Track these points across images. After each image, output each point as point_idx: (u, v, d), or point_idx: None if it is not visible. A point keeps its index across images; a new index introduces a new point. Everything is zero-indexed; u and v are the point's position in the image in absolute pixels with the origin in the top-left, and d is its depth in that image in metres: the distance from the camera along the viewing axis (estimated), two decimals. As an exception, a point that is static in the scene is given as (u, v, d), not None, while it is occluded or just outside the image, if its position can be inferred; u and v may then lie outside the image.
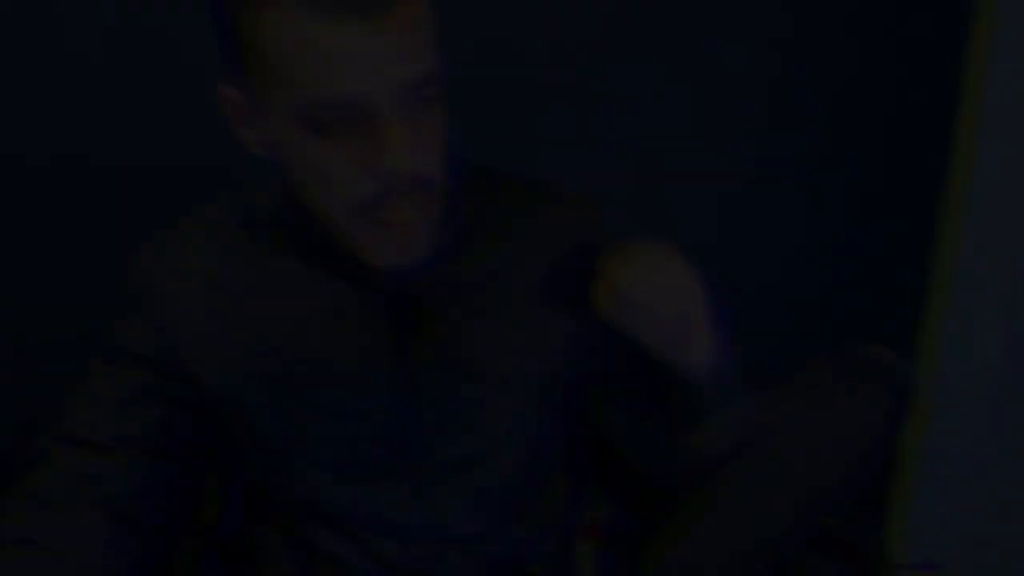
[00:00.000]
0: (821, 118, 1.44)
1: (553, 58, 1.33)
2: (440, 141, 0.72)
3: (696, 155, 1.42)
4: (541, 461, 0.88)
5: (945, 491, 1.66)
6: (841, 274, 1.56)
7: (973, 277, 1.49)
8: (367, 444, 0.81)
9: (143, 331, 0.80)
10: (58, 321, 1.36)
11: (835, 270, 1.55)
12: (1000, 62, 1.35)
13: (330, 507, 0.82)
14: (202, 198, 0.83)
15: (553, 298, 0.80)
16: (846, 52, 1.40)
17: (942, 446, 1.60)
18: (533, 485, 0.87)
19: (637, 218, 1.41)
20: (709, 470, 0.58)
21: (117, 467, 0.77)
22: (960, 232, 1.46)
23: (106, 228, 1.33)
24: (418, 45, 0.68)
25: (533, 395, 0.84)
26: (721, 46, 1.36)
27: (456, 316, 0.81)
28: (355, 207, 0.70)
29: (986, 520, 1.66)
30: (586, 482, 0.94)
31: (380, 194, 0.69)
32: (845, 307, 1.58)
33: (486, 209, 0.84)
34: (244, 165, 0.82)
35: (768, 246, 1.51)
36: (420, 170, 0.69)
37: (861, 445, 0.54)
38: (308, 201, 0.73)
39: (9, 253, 1.34)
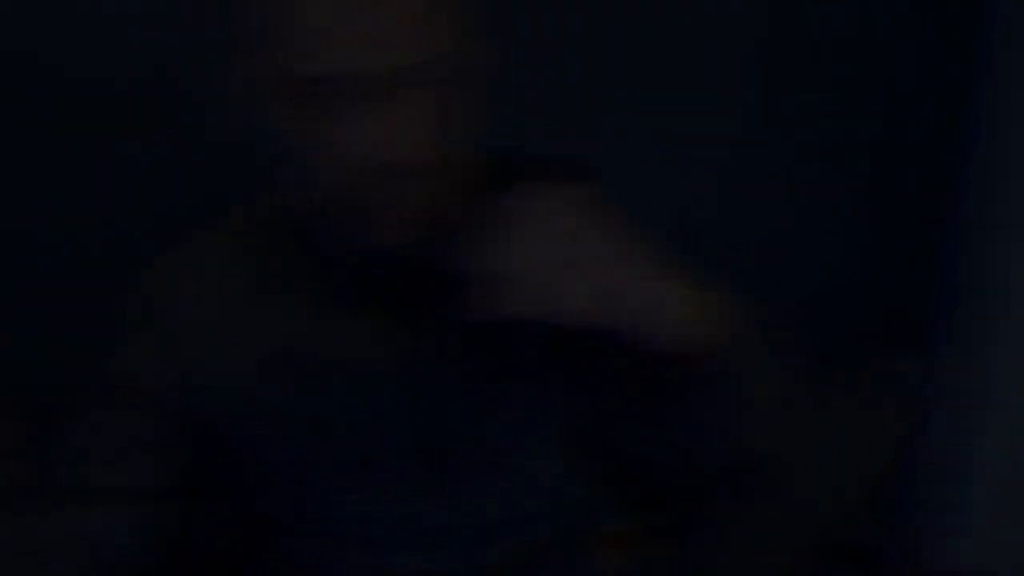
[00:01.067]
0: (821, 116, 1.44)
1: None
2: (430, 126, 0.70)
3: (693, 153, 1.42)
4: (561, 467, 0.85)
5: (952, 497, 1.65)
6: (848, 274, 1.55)
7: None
8: (382, 446, 0.80)
9: (148, 358, 0.78)
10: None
11: (841, 269, 1.55)
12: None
13: (339, 521, 0.81)
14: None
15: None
16: (856, 45, 1.40)
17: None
18: (553, 495, 0.85)
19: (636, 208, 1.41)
20: (729, 481, 0.57)
21: (110, 521, 0.76)
22: (970, 229, 1.45)
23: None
24: (407, 30, 0.66)
25: (557, 394, 0.81)
26: (720, 36, 1.36)
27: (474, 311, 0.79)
28: (328, 191, 0.70)
29: (997, 527, 1.65)
30: (606, 488, 0.90)
31: (351, 178, 0.69)
32: (854, 308, 1.57)
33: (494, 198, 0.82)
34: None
35: (769, 246, 1.50)
36: (393, 157, 0.68)
37: (880, 458, 0.54)
38: (298, 189, 0.73)
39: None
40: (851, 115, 1.44)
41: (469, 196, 0.77)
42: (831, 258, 1.53)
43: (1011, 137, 1.39)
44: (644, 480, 0.79)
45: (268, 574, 0.85)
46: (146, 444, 0.77)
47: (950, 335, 1.51)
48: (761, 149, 1.43)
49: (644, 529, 0.77)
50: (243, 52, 0.71)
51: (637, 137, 1.38)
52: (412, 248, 0.74)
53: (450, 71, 0.71)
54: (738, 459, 0.65)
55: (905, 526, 1.65)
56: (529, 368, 0.79)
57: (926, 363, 1.51)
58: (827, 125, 1.44)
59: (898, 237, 1.52)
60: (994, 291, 1.49)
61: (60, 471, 0.78)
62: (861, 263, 1.54)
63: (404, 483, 0.80)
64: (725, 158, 1.43)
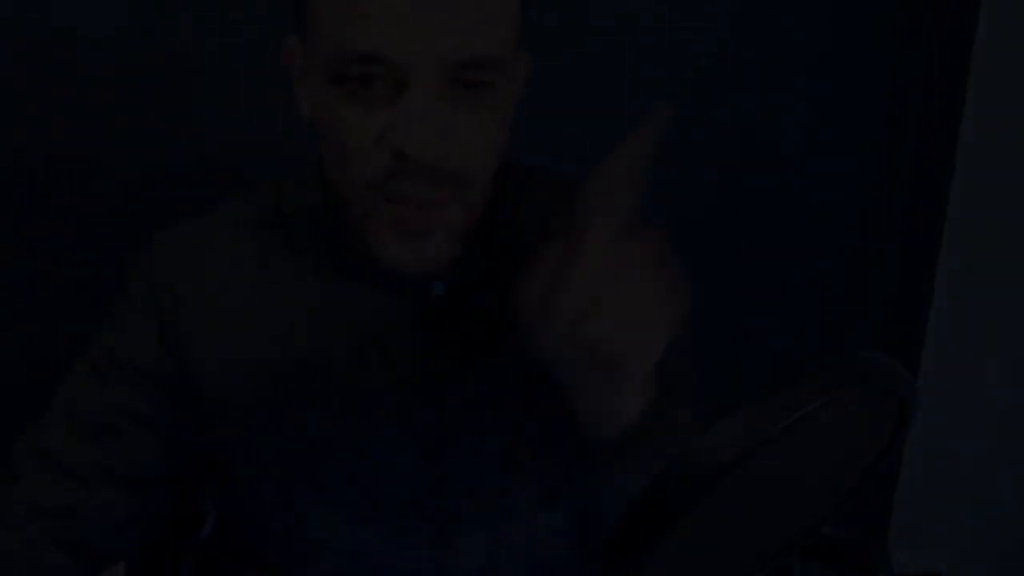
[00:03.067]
0: (818, 116, 1.44)
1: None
2: (483, 138, 0.64)
3: (688, 153, 1.42)
4: (571, 519, 0.79)
5: (946, 497, 1.66)
6: (839, 276, 1.55)
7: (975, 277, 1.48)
8: (386, 480, 0.74)
9: (141, 338, 0.74)
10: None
11: (832, 272, 1.55)
12: (1000, 60, 1.35)
13: (330, 549, 0.76)
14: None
15: None
16: (847, 48, 1.40)
17: (943, 451, 1.60)
18: (561, 545, 0.80)
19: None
20: (708, 481, 0.57)
21: (85, 499, 0.73)
22: (962, 231, 1.46)
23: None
24: (479, 20, 0.60)
25: (563, 463, 0.73)
26: (712, 37, 1.36)
27: (491, 348, 0.72)
28: (366, 182, 0.63)
29: (987, 527, 1.66)
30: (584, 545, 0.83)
31: (392, 173, 0.62)
32: (843, 310, 1.58)
33: (533, 220, 0.75)
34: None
35: (765, 247, 1.50)
36: (441, 162, 0.61)
37: (864, 454, 0.54)
38: (331, 178, 0.67)
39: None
40: (844, 116, 1.44)
41: (496, 212, 0.72)
42: (825, 256, 1.53)
43: (1003, 137, 1.40)
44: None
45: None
46: (134, 421, 0.73)
47: (939, 335, 1.52)
48: (756, 149, 1.43)
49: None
50: (295, 25, 0.66)
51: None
52: (443, 274, 0.69)
53: (512, 72, 0.65)
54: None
55: (884, 524, 1.66)
56: (541, 417, 0.72)
57: (915, 363, 1.52)
58: (821, 125, 1.44)
59: (891, 236, 1.52)
60: (985, 292, 1.49)
61: (34, 440, 0.74)
62: (855, 262, 1.54)
63: (396, 524, 0.75)
64: (722, 158, 1.43)
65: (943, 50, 1.39)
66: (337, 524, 0.75)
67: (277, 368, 0.73)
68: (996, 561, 1.66)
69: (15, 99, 1.23)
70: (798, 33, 1.37)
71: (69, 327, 0.96)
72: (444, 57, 0.59)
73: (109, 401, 0.73)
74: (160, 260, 0.75)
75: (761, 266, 1.51)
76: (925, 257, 1.50)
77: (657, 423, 0.59)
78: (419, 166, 0.61)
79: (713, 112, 1.39)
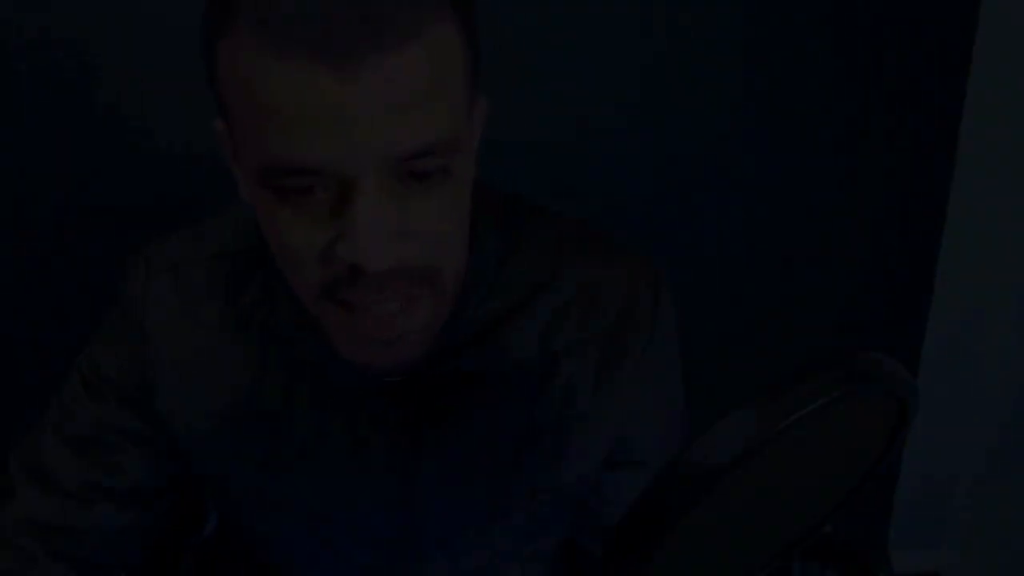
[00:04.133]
0: (817, 118, 1.44)
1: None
2: (447, 223, 0.56)
3: (692, 157, 1.41)
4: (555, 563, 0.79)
5: (946, 497, 1.66)
6: (839, 276, 1.55)
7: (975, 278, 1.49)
8: (353, 549, 0.73)
9: (125, 360, 0.71)
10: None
11: (832, 272, 1.55)
12: (1000, 61, 1.35)
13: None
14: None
15: None
16: (847, 48, 1.39)
17: (943, 451, 1.60)
18: None
19: (637, 224, 1.41)
20: (708, 481, 0.57)
21: (82, 515, 0.72)
22: (962, 231, 1.46)
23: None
24: (425, 101, 0.50)
25: (547, 510, 0.74)
26: (714, 46, 1.36)
27: (471, 412, 0.69)
28: (318, 290, 0.56)
29: (987, 527, 1.66)
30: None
31: (348, 280, 0.55)
32: (843, 310, 1.57)
33: (520, 265, 0.69)
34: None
35: (765, 247, 1.50)
36: (398, 264, 0.54)
37: (864, 454, 0.54)
38: (281, 272, 0.59)
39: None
40: (844, 116, 1.44)
41: (476, 279, 0.67)
42: (825, 256, 1.53)
43: (1003, 137, 1.40)
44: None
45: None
46: (123, 436, 0.72)
47: (939, 335, 1.52)
48: (756, 150, 1.43)
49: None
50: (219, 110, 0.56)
51: (631, 136, 1.38)
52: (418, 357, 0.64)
53: (469, 141, 0.57)
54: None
55: (884, 524, 1.66)
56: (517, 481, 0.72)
57: (915, 363, 1.52)
58: (821, 126, 1.44)
59: (891, 236, 1.52)
60: (985, 292, 1.49)
61: (28, 454, 0.73)
62: (855, 262, 1.54)
63: None
64: (722, 158, 1.42)
65: (943, 50, 1.39)
66: (300, 562, 0.75)
67: (238, 416, 0.70)
68: (996, 561, 1.66)
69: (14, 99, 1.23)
70: (798, 33, 1.37)
71: (67, 328, 0.95)
72: (390, 157, 0.51)
73: (97, 416, 0.71)
74: (136, 286, 0.71)
75: (761, 266, 1.51)
76: (925, 257, 1.50)
77: None
78: (376, 276, 0.54)
79: (712, 112, 1.39)
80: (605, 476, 0.76)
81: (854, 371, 0.45)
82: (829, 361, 0.44)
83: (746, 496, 0.46)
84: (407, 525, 0.72)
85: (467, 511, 0.72)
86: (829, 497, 0.56)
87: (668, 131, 1.39)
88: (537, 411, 0.70)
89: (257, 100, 0.50)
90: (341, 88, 0.48)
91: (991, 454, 1.61)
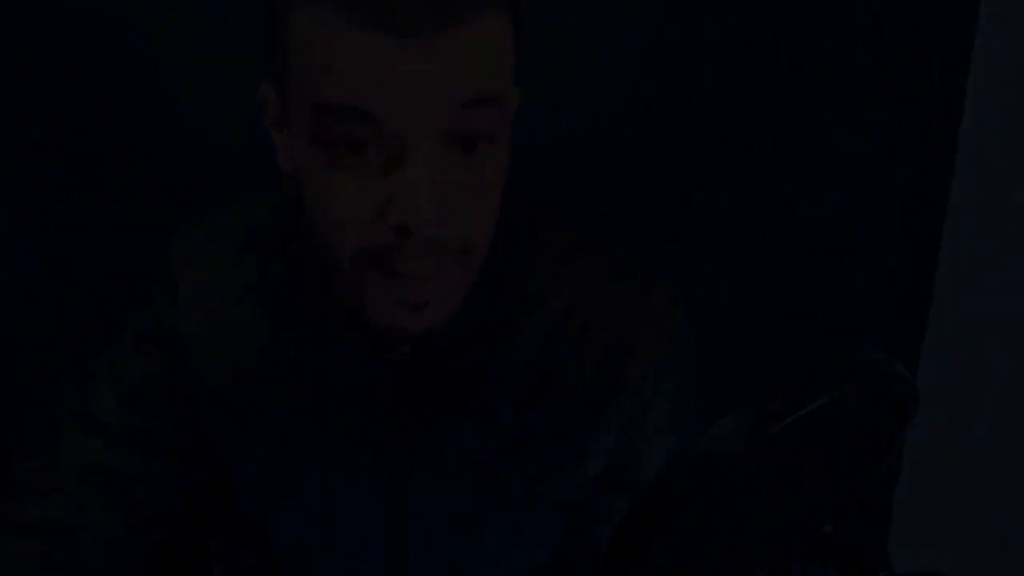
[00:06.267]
0: (817, 116, 1.44)
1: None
2: (484, 202, 0.61)
3: (691, 157, 1.42)
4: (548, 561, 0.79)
5: (946, 497, 1.66)
6: (839, 276, 1.55)
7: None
8: (348, 540, 0.75)
9: (166, 318, 0.75)
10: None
11: (832, 271, 1.55)
12: (1000, 62, 1.35)
13: None
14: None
15: None
16: (847, 48, 1.40)
17: (943, 451, 1.60)
18: None
19: (634, 223, 1.41)
20: (708, 481, 0.57)
21: (124, 459, 0.75)
22: (962, 231, 1.46)
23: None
24: (477, 73, 0.56)
25: (547, 520, 0.75)
26: (712, 36, 1.36)
27: (467, 415, 0.71)
28: (360, 252, 0.60)
29: (987, 527, 1.66)
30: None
31: (390, 246, 0.59)
32: (843, 310, 1.58)
33: (528, 273, 0.72)
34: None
35: (765, 247, 1.50)
36: (445, 234, 0.58)
37: (864, 454, 0.54)
38: (319, 241, 0.63)
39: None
40: (843, 115, 1.44)
41: (495, 267, 0.68)
42: (825, 256, 1.53)
43: (1003, 137, 1.40)
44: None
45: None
46: (171, 392, 0.75)
47: (939, 335, 1.52)
48: (756, 149, 1.43)
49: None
50: (268, 70, 0.62)
51: (631, 136, 1.38)
52: (442, 334, 0.67)
53: (508, 117, 0.61)
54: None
55: (884, 524, 1.66)
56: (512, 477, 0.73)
57: (915, 363, 1.52)
58: (820, 125, 1.44)
59: (891, 236, 1.52)
60: (985, 292, 1.49)
61: (79, 403, 0.77)
62: (855, 262, 1.54)
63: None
64: (722, 158, 1.43)
65: (943, 50, 1.39)
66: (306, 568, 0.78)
67: (250, 385, 0.74)
68: (996, 561, 1.66)
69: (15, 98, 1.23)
70: (798, 33, 1.37)
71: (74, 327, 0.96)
72: (443, 116, 0.56)
73: (148, 369, 0.76)
74: (177, 248, 0.77)
75: (761, 266, 1.51)
76: (925, 257, 1.50)
77: None
78: (423, 240, 0.57)
79: (712, 111, 1.39)
80: (602, 499, 0.76)
81: (854, 371, 0.45)
82: (829, 361, 0.44)
83: (746, 496, 0.46)
84: (396, 526, 0.74)
85: (454, 515, 0.73)
86: (829, 497, 0.56)
87: (667, 131, 1.39)
88: (529, 419, 0.71)
89: (329, 62, 0.55)
90: (407, 56, 0.54)
91: (991, 454, 1.61)
